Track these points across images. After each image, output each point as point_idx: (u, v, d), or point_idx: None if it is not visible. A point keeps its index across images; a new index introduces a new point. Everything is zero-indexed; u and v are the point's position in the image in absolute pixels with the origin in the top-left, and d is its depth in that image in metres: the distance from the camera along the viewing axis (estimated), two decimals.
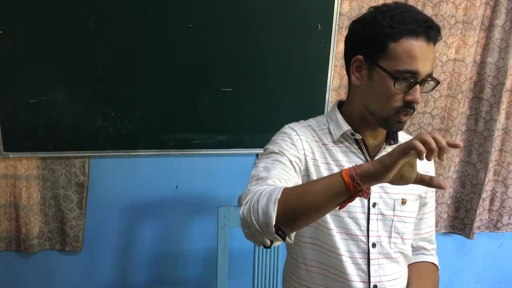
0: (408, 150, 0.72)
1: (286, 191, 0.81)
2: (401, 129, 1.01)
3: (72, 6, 1.52)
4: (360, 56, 0.96)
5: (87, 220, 1.77)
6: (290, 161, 0.98)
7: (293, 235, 0.85)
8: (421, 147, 0.71)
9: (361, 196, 0.77)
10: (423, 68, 0.90)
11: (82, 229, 1.76)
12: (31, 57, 1.54)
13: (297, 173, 0.99)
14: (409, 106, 0.94)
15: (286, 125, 1.08)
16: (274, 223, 0.78)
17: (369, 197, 1.00)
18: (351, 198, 0.78)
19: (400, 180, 0.78)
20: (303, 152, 1.02)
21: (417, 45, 0.89)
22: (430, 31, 0.90)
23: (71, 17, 1.53)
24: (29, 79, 1.56)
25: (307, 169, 1.02)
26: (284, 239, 0.81)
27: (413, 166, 0.77)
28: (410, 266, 1.14)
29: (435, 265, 1.18)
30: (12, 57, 1.53)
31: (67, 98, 1.60)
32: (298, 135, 1.03)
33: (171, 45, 1.63)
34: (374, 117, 0.98)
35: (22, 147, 1.62)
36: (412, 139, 0.72)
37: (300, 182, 0.99)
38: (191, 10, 1.61)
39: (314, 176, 1.01)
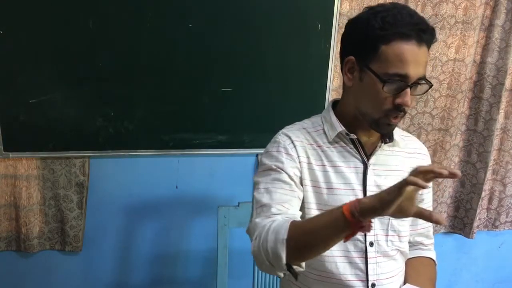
0: (407, 186, 0.71)
1: (292, 230, 0.84)
2: (390, 131, 1.02)
3: (72, 6, 1.52)
4: (352, 57, 0.96)
5: (87, 220, 1.77)
6: (289, 176, 1.00)
7: (303, 263, 0.88)
8: (420, 182, 0.70)
9: (363, 232, 0.80)
10: (414, 72, 0.90)
11: (82, 229, 1.76)
12: (31, 57, 1.54)
13: (298, 186, 1.01)
14: (399, 109, 0.93)
15: (280, 132, 1.08)
16: (285, 262, 0.83)
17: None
18: (354, 232, 0.80)
19: (398, 213, 0.77)
20: (298, 161, 1.02)
21: (408, 48, 0.89)
22: (422, 34, 0.89)
23: (71, 17, 1.53)
24: (29, 79, 1.56)
25: (301, 175, 1.02)
26: (296, 277, 0.87)
27: (412, 199, 0.77)
28: (407, 261, 1.14)
29: (433, 260, 1.18)
30: (12, 57, 1.53)
31: (67, 98, 1.60)
32: (293, 142, 1.03)
33: (171, 45, 1.63)
34: (365, 118, 0.99)
35: (22, 147, 1.62)
36: (408, 176, 0.72)
37: (301, 196, 1.01)
38: (191, 10, 1.61)
39: (307, 181, 1.02)
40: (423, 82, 0.93)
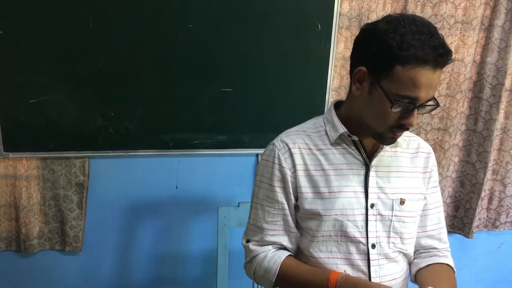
0: None
1: (279, 277, 1.02)
2: (393, 143, 1.01)
3: (72, 6, 1.52)
4: (363, 68, 0.94)
5: (87, 220, 1.77)
6: (281, 193, 1.05)
7: None
8: None
9: None
10: (425, 95, 0.89)
11: (82, 229, 1.76)
12: (31, 57, 1.54)
13: (289, 202, 1.06)
14: (403, 127, 0.94)
15: (279, 137, 1.09)
16: None
17: (367, 199, 1.03)
18: None
19: None
20: (293, 170, 1.04)
21: (423, 73, 0.87)
22: (439, 58, 0.87)
23: (71, 17, 1.53)
24: (29, 79, 1.56)
25: (296, 184, 1.04)
26: None
27: None
28: (424, 268, 1.09)
29: (451, 267, 1.10)
30: (12, 57, 1.53)
31: (67, 98, 1.60)
32: (290, 149, 1.04)
33: (171, 45, 1.63)
34: (368, 129, 0.99)
35: (22, 147, 1.62)
36: None
37: (292, 209, 1.06)
38: (191, 10, 1.61)
39: (306, 189, 1.03)
40: (431, 103, 0.93)
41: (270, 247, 1.07)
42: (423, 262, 1.10)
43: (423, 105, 0.91)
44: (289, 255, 1.07)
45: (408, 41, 0.86)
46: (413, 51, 0.85)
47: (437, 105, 0.94)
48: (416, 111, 0.91)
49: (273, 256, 1.05)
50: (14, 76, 1.54)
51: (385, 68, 0.89)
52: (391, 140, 0.99)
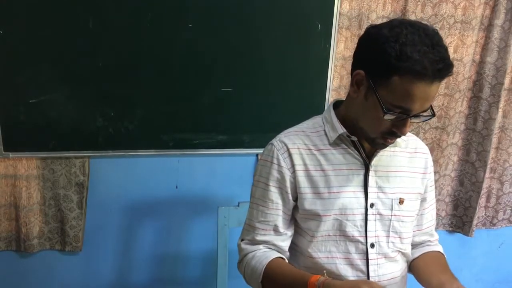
0: None
1: (265, 278, 1.01)
2: (383, 148, 1.02)
3: (72, 6, 1.52)
4: (362, 72, 0.93)
5: (87, 220, 1.77)
6: (277, 193, 1.05)
7: None
8: None
9: None
10: (419, 107, 0.88)
11: (82, 229, 1.76)
12: (31, 57, 1.54)
13: (285, 203, 1.06)
14: (395, 135, 0.94)
15: (278, 137, 1.08)
16: None
17: (367, 198, 1.03)
18: None
19: None
20: (292, 170, 1.03)
21: (419, 86, 0.85)
22: (438, 73, 0.85)
23: (71, 17, 1.53)
24: (29, 79, 1.56)
25: (295, 184, 1.04)
26: None
27: None
28: (417, 258, 1.14)
29: (441, 253, 1.17)
30: (12, 57, 1.53)
31: (67, 98, 1.60)
32: (288, 149, 1.04)
33: (171, 45, 1.63)
34: (362, 132, 0.99)
35: (22, 147, 1.62)
36: None
37: (289, 210, 1.07)
38: (191, 10, 1.61)
39: (306, 189, 1.03)
40: (427, 113, 0.92)
41: (260, 246, 1.06)
42: (416, 253, 1.16)
43: (417, 116, 0.91)
44: (278, 256, 1.05)
45: (407, 52, 0.84)
46: (411, 63, 0.84)
47: (433, 115, 0.94)
48: (409, 121, 0.91)
49: (261, 256, 1.04)
50: (14, 76, 1.54)
51: (382, 76, 0.88)
52: (382, 146, 0.99)
